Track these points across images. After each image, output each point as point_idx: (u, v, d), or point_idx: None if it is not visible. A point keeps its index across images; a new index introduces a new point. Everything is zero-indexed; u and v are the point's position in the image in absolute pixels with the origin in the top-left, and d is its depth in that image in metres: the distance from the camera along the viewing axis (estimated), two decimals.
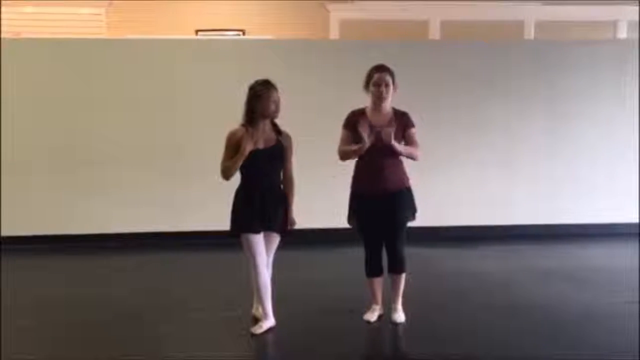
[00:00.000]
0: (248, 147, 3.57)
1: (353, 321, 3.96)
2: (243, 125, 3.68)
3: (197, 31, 7.61)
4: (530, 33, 8.04)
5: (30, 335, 3.83)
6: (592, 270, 5.36)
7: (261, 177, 3.71)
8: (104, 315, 4.19)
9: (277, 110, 3.71)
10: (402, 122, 3.84)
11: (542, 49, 6.88)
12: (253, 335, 3.72)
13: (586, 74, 6.82)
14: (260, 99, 3.65)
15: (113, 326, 3.98)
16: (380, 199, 3.80)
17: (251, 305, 4.02)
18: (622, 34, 8.12)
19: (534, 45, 7.18)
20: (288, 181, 3.84)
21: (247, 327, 3.82)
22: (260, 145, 3.67)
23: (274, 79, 3.74)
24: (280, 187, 3.82)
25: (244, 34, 7.65)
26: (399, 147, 3.75)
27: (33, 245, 6.16)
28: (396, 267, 3.94)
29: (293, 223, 3.88)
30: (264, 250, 3.72)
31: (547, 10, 8.02)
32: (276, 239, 3.83)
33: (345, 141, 3.89)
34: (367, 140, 3.66)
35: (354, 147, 3.75)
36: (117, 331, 3.89)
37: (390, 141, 3.66)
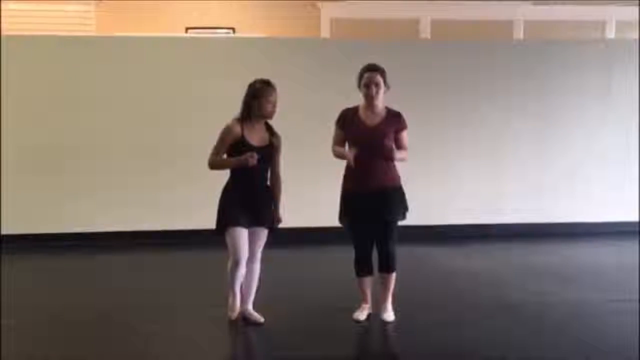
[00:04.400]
0: (251, 161, 3.60)
1: (342, 320, 3.96)
2: (238, 120, 3.69)
3: (187, 29, 7.57)
4: (519, 33, 8.09)
5: (13, 335, 3.76)
6: (578, 269, 5.41)
7: (253, 175, 3.74)
8: (91, 314, 4.16)
9: (273, 111, 3.73)
10: (395, 123, 3.85)
11: (530, 49, 6.91)
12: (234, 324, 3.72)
13: (574, 73, 6.86)
14: (258, 98, 3.67)
15: (99, 325, 3.95)
16: (371, 198, 3.80)
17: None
18: (610, 34, 8.19)
19: (523, 45, 7.22)
20: (276, 180, 3.88)
21: (235, 326, 3.82)
22: (256, 144, 3.69)
23: (265, 77, 3.75)
24: (267, 185, 3.85)
25: (234, 32, 7.63)
26: (396, 155, 3.77)
27: (18, 244, 6.11)
28: (386, 266, 3.94)
29: (280, 220, 3.91)
30: (247, 248, 3.74)
31: (536, 10, 8.07)
32: (265, 234, 3.85)
33: (337, 139, 3.90)
34: (351, 157, 3.69)
35: (347, 153, 3.76)
36: (104, 330, 3.86)
37: (393, 158, 3.74)
